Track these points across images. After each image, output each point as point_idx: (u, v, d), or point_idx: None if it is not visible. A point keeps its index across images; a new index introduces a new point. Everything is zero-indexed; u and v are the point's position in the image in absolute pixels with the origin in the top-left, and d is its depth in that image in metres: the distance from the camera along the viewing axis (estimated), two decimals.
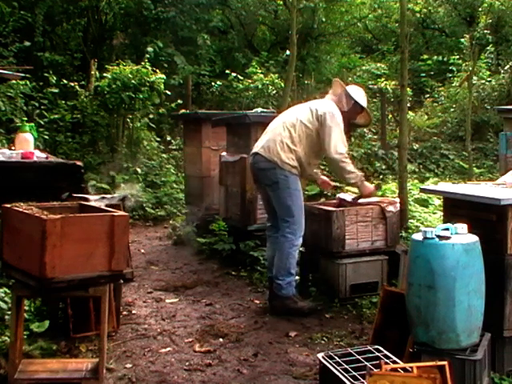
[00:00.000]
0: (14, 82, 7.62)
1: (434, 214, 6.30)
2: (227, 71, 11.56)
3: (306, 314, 4.10)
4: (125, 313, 4.17)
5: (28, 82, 8.28)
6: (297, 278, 4.40)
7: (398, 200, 4.96)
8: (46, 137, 8.23)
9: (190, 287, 4.86)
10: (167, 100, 9.82)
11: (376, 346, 2.91)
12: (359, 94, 4.40)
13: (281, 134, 4.19)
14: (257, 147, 4.30)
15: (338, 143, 4.12)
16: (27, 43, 9.74)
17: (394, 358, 2.79)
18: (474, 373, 2.69)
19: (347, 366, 2.73)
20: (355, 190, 7.60)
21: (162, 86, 8.70)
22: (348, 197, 4.83)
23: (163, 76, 8.80)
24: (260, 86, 10.92)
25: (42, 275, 2.71)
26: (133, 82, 8.37)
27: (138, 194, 7.85)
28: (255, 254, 5.17)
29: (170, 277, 5.22)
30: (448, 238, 2.78)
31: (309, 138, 4.20)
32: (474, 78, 11.62)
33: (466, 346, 2.76)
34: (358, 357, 2.83)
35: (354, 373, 2.66)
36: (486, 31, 14.40)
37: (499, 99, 12.14)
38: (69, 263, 2.77)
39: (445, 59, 14.86)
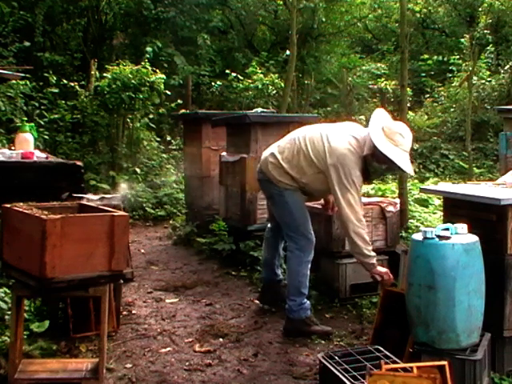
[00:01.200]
0: (14, 81, 7.62)
1: (434, 214, 6.30)
2: (227, 71, 11.56)
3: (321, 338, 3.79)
4: (125, 313, 4.17)
5: (28, 82, 8.28)
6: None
7: (398, 200, 4.96)
8: (46, 137, 8.24)
9: (190, 287, 4.86)
10: (167, 100, 9.83)
11: (376, 346, 2.92)
12: (391, 130, 3.51)
13: (283, 153, 3.80)
14: (261, 157, 4.05)
15: (353, 207, 3.58)
16: (27, 43, 9.74)
17: (394, 358, 2.79)
18: (474, 373, 2.69)
19: (347, 366, 2.73)
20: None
21: (162, 86, 8.70)
22: None
23: (163, 76, 8.80)
24: (260, 86, 10.92)
25: (42, 275, 2.71)
26: (133, 81, 8.37)
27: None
28: (255, 254, 5.17)
29: (169, 277, 5.22)
30: (448, 237, 2.78)
31: (314, 176, 3.73)
32: (474, 77, 11.64)
33: (466, 345, 2.76)
34: (358, 357, 2.83)
35: (354, 373, 2.66)
36: (485, 31, 14.41)
37: (499, 99, 12.15)
38: (69, 263, 2.77)
39: (445, 59, 14.88)
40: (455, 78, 13.21)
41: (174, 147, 10.30)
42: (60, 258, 2.73)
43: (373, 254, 3.70)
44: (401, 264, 4.07)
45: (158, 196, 8.22)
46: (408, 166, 3.56)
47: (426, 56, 15.81)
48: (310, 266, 3.88)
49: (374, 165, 3.63)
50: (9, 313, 3.32)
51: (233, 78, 11.36)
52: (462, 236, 2.83)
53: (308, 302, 3.88)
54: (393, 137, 3.49)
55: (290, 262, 3.88)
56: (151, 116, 9.39)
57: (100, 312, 3.00)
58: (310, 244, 3.86)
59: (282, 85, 10.47)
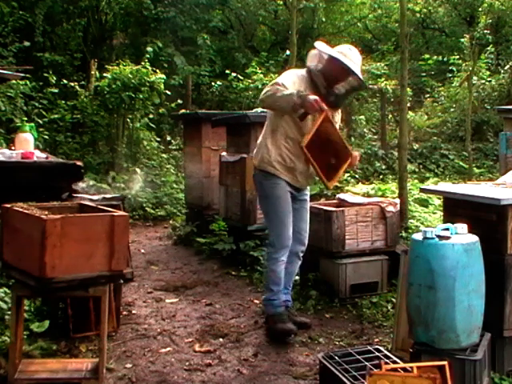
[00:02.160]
0: (13, 82, 7.62)
1: (434, 213, 6.30)
2: (227, 71, 11.57)
3: (277, 337, 3.70)
4: (125, 313, 4.17)
5: (28, 82, 8.29)
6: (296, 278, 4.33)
7: (398, 200, 4.96)
8: (46, 137, 8.24)
9: (190, 287, 4.86)
10: (167, 100, 9.83)
11: (376, 346, 2.92)
12: (337, 48, 3.68)
13: (262, 133, 3.87)
14: None
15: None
16: (27, 43, 9.74)
17: (394, 358, 2.79)
18: (474, 373, 2.69)
19: (347, 366, 2.73)
20: (356, 190, 7.61)
21: (162, 86, 8.71)
22: (348, 197, 4.83)
23: (163, 76, 8.81)
24: (260, 86, 10.90)
25: (41, 275, 2.71)
26: (133, 81, 8.38)
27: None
28: (255, 254, 5.17)
29: (169, 277, 5.22)
30: (448, 237, 2.78)
31: (278, 127, 3.67)
32: (474, 77, 11.63)
33: (466, 345, 2.76)
34: (358, 357, 2.83)
35: (354, 373, 2.66)
36: (486, 31, 14.39)
37: (499, 99, 12.15)
38: (69, 263, 2.77)
39: (445, 59, 14.87)
40: (455, 78, 13.20)
41: (174, 147, 10.31)
42: (60, 258, 2.73)
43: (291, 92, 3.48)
44: (401, 264, 4.06)
45: (158, 196, 8.23)
46: (357, 71, 3.60)
47: (426, 56, 15.80)
48: (280, 263, 3.75)
49: (334, 76, 3.68)
50: (9, 313, 3.32)
51: (233, 78, 11.36)
52: (462, 236, 2.82)
53: (281, 299, 3.78)
54: (341, 50, 3.68)
55: (266, 258, 3.95)
56: (151, 116, 9.40)
57: (100, 312, 3.00)
58: (279, 241, 3.73)
59: None
